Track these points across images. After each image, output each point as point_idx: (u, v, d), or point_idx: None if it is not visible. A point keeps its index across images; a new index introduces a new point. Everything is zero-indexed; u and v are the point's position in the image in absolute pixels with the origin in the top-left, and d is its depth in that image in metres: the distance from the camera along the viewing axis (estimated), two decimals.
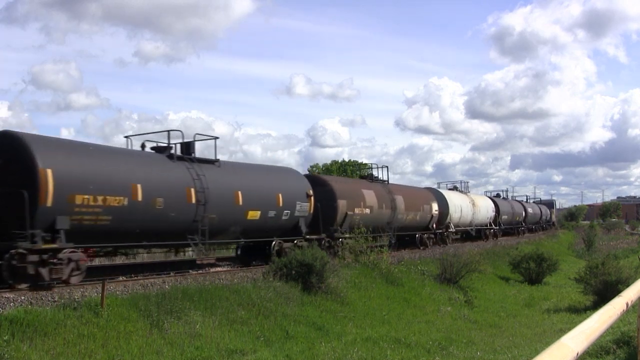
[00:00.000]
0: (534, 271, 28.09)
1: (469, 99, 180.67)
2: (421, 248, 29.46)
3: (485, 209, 40.63)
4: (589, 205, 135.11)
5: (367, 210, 23.74)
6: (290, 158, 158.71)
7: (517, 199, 59.77)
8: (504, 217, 45.19)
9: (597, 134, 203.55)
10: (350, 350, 11.85)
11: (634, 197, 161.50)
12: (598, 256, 32.68)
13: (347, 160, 73.18)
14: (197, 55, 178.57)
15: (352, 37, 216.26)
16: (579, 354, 3.00)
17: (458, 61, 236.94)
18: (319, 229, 20.88)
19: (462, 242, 36.08)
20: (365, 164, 43.91)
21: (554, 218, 73.83)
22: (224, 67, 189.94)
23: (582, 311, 18.69)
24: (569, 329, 3.35)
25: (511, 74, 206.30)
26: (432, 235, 31.19)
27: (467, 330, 15.96)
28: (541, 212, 62.90)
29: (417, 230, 29.42)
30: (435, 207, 31.28)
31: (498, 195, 50.95)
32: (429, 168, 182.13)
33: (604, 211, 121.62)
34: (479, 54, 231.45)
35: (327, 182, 22.64)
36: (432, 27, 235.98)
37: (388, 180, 28.38)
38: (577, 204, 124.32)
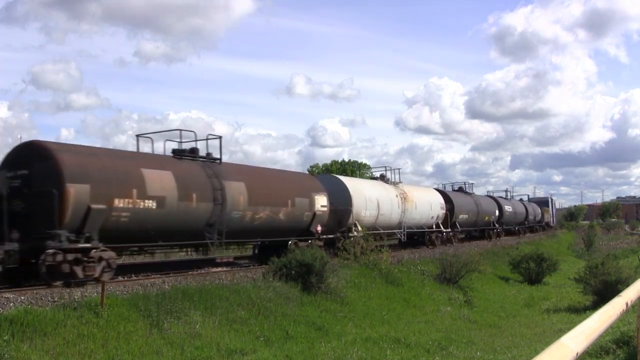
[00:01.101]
0: (533, 271, 28.09)
1: (469, 99, 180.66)
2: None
3: (426, 206, 30.73)
4: (589, 205, 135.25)
5: (151, 204, 14.56)
6: (290, 158, 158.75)
7: (494, 194, 48.15)
8: (463, 216, 35.75)
9: (598, 134, 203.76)
10: (350, 350, 11.85)
11: (634, 197, 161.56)
12: (598, 256, 32.75)
13: (347, 160, 73.42)
14: (197, 55, 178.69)
15: (353, 38, 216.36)
16: (578, 354, 3.00)
17: (458, 61, 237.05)
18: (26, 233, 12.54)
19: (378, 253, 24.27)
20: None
21: (548, 218, 64.65)
22: (224, 67, 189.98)
23: (582, 311, 18.68)
24: (569, 329, 3.36)
25: (512, 73, 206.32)
26: (320, 243, 20.64)
27: (467, 330, 15.97)
28: (527, 211, 52.80)
29: (283, 236, 19.33)
30: (321, 201, 21.08)
31: (461, 189, 40.95)
32: (429, 168, 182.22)
33: (604, 211, 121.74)
34: (479, 54, 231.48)
35: (49, 152, 13.14)
36: (433, 27, 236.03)
37: (221, 159, 18.05)
38: (576, 204, 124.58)
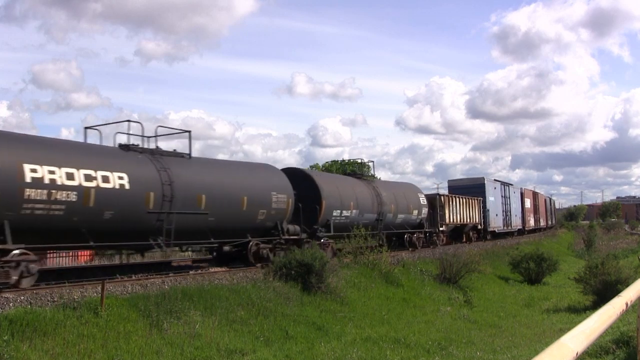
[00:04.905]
0: (533, 271, 28.11)
1: (470, 98, 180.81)
2: None
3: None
4: (589, 205, 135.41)
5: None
6: (290, 158, 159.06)
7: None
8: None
9: (599, 134, 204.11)
10: (350, 350, 11.85)
11: (634, 197, 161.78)
12: (598, 256, 32.69)
13: (347, 160, 73.25)
14: (199, 55, 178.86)
15: (354, 38, 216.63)
16: (578, 354, 3.00)
17: (460, 60, 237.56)
18: None
19: None
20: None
21: (475, 218, 36.13)
22: (225, 67, 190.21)
23: (582, 311, 18.69)
24: (569, 329, 3.36)
25: (514, 73, 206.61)
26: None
27: (467, 330, 15.96)
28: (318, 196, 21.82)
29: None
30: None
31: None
32: (429, 168, 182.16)
33: (604, 211, 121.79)
34: (481, 53, 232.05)
35: None
36: (434, 26, 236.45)
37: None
38: (577, 204, 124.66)
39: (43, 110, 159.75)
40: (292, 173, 20.86)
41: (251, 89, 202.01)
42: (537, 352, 2.73)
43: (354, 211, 22.73)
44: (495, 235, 40.78)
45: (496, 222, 41.04)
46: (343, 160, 71.89)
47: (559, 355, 2.73)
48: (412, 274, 21.43)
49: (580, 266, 25.04)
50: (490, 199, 39.76)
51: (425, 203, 29.18)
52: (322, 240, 20.40)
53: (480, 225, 37.59)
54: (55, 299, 11.10)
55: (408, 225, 27.72)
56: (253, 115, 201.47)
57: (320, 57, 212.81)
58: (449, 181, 42.71)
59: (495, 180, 43.41)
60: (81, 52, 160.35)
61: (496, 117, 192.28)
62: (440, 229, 31.48)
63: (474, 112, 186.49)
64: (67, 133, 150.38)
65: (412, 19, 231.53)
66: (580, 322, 3.59)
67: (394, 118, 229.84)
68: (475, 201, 36.56)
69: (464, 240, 35.22)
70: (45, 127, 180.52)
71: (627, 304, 4.73)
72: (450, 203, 33.13)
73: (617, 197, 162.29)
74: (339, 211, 21.75)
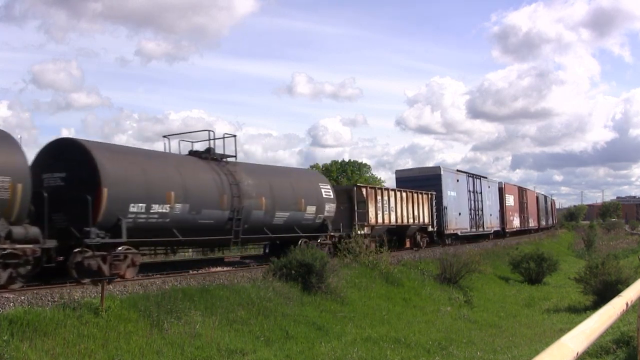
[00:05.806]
0: (533, 271, 28.11)
1: (471, 98, 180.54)
2: None
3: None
4: (589, 205, 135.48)
5: None
6: (290, 158, 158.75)
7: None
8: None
9: (599, 134, 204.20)
10: (350, 350, 11.85)
11: (634, 197, 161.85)
12: (598, 256, 32.68)
13: (347, 160, 73.25)
14: (199, 54, 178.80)
15: (355, 37, 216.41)
16: (579, 354, 3.00)
17: (460, 60, 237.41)
18: None
19: None
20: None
21: (423, 218, 28.76)
22: (225, 67, 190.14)
23: (582, 311, 18.69)
24: (569, 329, 3.36)
25: (514, 73, 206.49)
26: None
27: (467, 330, 15.97)
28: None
29: None
30: None
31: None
32: None
33: (604, 211, 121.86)
34: (481, 53, 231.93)
35: None
36: (435, 26, 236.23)
37: None
38: (577, 204, 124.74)
39: (43, 110, 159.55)
40: (59, 146, 14.23)
41: (251, 89, 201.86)
42: (537, 352, 2.73)
43: (179, 206, 15.35)
44: (459, 239, 33.29)
45: (459, 223, 33.27)
46: (342, 161, 71.99)
47: (559, 355, 2.73)
48: (413, 274, 21.44)
49: (581, 266, 25.04)
50: (450, 193, 32.24)
51: (332, 197, 21.43)
52: (118, 250, 13.89)
53: (432, 226, 29.80)
54: (55, 299, 11.10)
55: (300, 228, 19.85)
56: (253, 115, 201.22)
57: (320, 57, 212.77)
58: (396, 172, 33.88)
59: (459, 171, 35.59)
60: (81, 52, 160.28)
61: (496, 117, 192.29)
62: (361, 232, 22.89)
63: (474, 112, 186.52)
64: (67, 133, 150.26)
65: (412, 19, 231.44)
66: (580, 322, 3.59)
67: (394, 118, 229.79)
68: (424, 196, 28.77)
69: (407, 246, 27.79)
70: (45, 127, 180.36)
71: (627, 304, 4.73)
72: (379, 198, 24.89)
73: (617, 197, 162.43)
74: (142, 205, 14.40)
